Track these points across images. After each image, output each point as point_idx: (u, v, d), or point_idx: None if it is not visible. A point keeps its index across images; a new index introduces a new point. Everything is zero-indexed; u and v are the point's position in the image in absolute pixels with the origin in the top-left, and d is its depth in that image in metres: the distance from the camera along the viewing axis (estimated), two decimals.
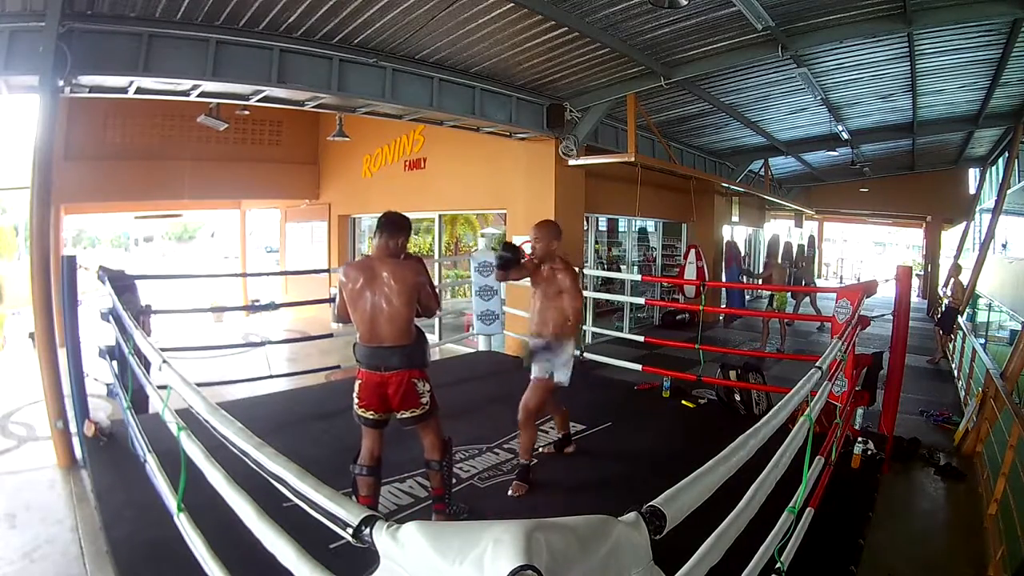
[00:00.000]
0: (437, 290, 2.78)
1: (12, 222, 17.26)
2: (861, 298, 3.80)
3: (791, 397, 1.83)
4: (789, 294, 9.51)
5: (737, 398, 4.73)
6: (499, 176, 7.69)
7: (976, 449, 4.17)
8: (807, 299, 10.60)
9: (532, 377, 3.31)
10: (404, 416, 2.67)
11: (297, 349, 6.96)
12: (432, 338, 8.84)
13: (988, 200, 11.28)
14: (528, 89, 6.34)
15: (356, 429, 4.13)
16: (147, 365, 2.60)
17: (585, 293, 6.21)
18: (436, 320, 9.14)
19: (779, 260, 10.13)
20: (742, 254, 11.87)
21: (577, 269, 5.99)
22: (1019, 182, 9.53)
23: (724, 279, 10.78)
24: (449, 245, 9.47)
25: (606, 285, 9.14)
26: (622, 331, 8.62)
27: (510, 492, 3.25)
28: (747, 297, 12.95)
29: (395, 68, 5.29)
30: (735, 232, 12.99)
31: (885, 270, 16.34)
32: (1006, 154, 9.27)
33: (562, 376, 3.25)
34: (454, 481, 3.38)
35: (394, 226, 2.69)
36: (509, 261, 3.23)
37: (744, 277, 11.36)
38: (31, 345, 5.66)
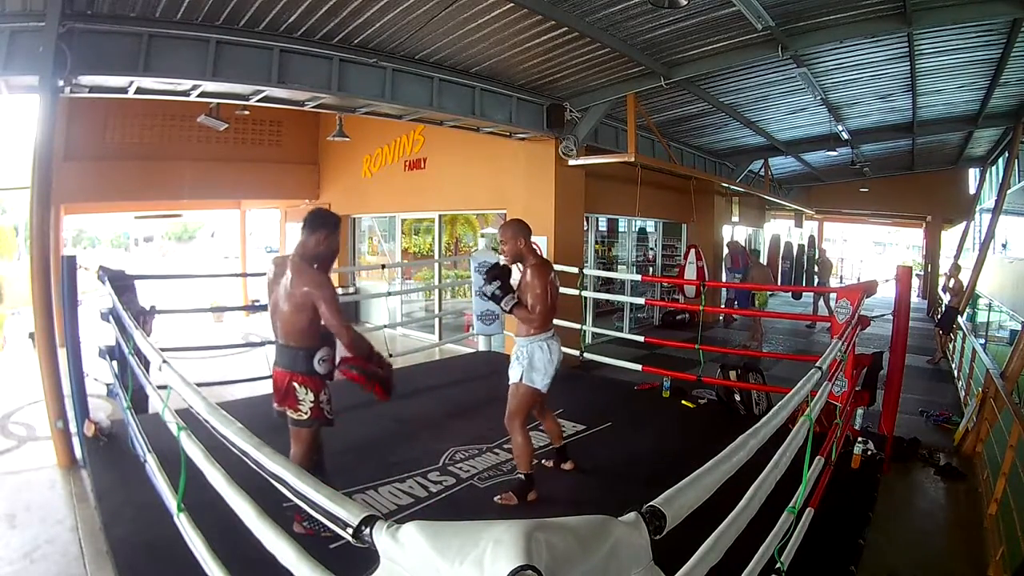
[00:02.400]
0: (337, 305, 2.54)
1: (12, 222, 17.29)
2: (861, 298, 3.80)
3: (791, 397, 1.83)
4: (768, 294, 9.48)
5: (737, 398, 4.74)
6: (499, 176, 7.69)
7: (976, 449, 4.18)
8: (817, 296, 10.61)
9: (510, 383, 3.18)
10: (285, 413, 2.67)
11: None
12: (432, 338, 8.84)
13: (988, 200, 11.28)
14: (528, 89, 6.35)
15: (355, 429, 4.14)
16: (147, 365, 2.60)
17: (585, 293, 6.23)
18: (436, 320, 9.16)
19: (760, 260, 10.16)
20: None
21: (577, 269, 6.06)
22: (1019, 182, 9.53)
23: (731, 279, 10.64)
24: (449, 245, 9.47)
25: (606, 285, 9.14)
26: (622, 331, 8.63)
27: (496, 498, 3.18)
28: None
29: (395, 68, 5.29)
30: (735, 232, 13.00)
31: (885, 270, 16.35)
32: (1006, 154, 9.27)
33: (537, 380, 3.11)
34: (454, 482, 3.40)
35: (310, 222, 2.65)
36: (503, 284, 3.08)
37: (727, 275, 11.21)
38: (31, 345, 5.66)
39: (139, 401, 3.40)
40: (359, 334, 2.64)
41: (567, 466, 3.58)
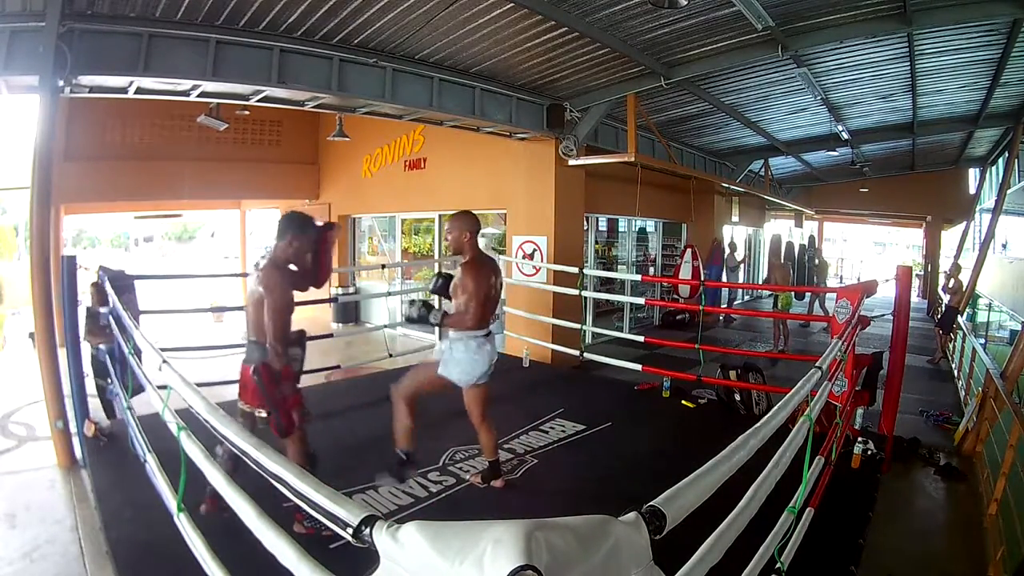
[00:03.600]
0: (279, 314, 2.57)
1: (12, 222, 17.28)
2: (861, 298, 3.80)
3: (791, 397, 1.83)
4: (794, 295, 9.51)
5: (737, 398, 4.74)
6: (499, 176, 7.68)
7: (976, 449, 4.18)
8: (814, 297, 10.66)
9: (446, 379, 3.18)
10: (252, 414, 2.66)
11: None
12: (432, 338, 8.82)
13: (988, 200, 11.28)
14: (528, 89, 6.34)
15: (356, 429, 4.15)
16: (136, 353, 2.63)
17: (585, 293, 6.23)
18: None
19: (781, 260, 10.11)
20: (736, 253, 11.93)
21: (577, 269, 6.05)
22: (1019, 182, 9.53)
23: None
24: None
25: (606, 285, 9.14)
26: (622, 331, 8.62)
27: (468, 477, 3.34)
28: (738, 299, 12.99)
29: (395, 68, 5.28)
30: (735, 232, 13.01)
31: (885, 270, 16.34)
32: (1006, 154, 9.26)
33: (454, 374, 3.08)
34: (454, 482, 3.40)
35: (279, 227, 2.71)
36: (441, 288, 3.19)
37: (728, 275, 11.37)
38: (31, 345, 5.66)
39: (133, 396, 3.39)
40: (284, 355, 2.63)
41: (498, 484, 3.34)
